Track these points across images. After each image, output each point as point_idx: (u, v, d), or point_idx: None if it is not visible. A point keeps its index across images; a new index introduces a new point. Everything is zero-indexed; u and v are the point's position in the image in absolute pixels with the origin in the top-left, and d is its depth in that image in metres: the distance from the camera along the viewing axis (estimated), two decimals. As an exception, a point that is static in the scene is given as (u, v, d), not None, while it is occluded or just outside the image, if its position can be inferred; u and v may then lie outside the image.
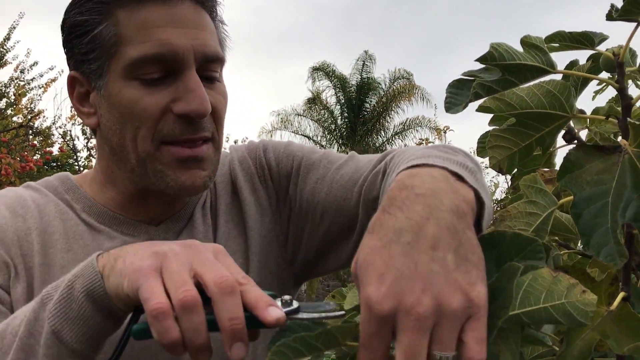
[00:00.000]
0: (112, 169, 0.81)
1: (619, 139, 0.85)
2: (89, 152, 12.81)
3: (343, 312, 0.50)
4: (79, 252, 0.79)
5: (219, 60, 0.78)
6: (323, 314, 0.52)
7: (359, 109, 18.99)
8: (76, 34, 0.76)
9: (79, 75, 0.78)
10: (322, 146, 18.89)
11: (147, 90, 0.73)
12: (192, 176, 0.75)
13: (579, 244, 0.94)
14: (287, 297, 0.53)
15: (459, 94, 0.62)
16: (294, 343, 0.42)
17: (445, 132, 10.47)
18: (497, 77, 0.61)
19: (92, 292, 0.56)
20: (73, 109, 0.84)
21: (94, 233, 0.81)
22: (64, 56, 0.81)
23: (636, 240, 0.61)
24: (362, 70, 18.98)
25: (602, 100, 1.05)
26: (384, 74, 19.61)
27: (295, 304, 0.52)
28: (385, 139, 18.98)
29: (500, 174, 0.78)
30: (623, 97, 0.59)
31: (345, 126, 19.25)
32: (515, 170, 0.89)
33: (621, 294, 0.59)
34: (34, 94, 11.21)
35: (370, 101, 19.08)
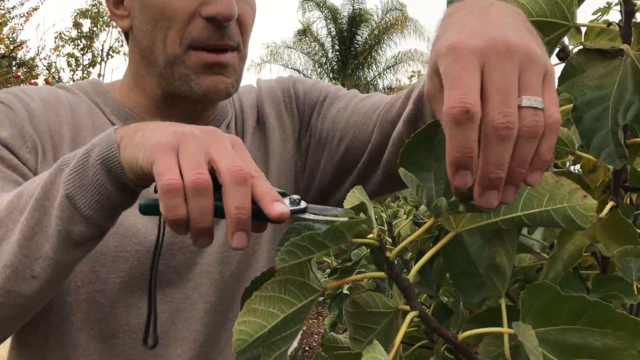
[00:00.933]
0: (141, 73, 0.83)
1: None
2: (75, 84, 12.60)
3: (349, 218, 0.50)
4: None
5: None
6: (329, 217, 0.53)
7: (351, 42, 18.70)
8: None
9: None
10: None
11: None
12: (215, 81, 0.77)
13: (567, 164, 0.95)
14: (296, 196, 0.53)
15: None
16: (303, 242, 0.42)
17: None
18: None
19: (107, 160, 0.56)
20: (108, 14, 0.88)
21: None
22: None
23: (630, 151, 0.62)
24: (354, 0, 18.54)
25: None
26: (377, 5, 19.21)
27: (303, 204, 0.53)
28: (376, 73, 18.82)
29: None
30: (627, 2, 0.58)
31: (336, 59, 19.01)
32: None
33: (610, 203, 0.60)
34: (15, 24, 10.90)
35: (362, 34, 18.76)
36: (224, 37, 0.76)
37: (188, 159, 0.50)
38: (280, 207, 0.49)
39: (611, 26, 0.62)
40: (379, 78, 18.85)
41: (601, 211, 0.59)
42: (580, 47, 0.88)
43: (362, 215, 0.45)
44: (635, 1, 0.62)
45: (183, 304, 0.81)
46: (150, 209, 0.53)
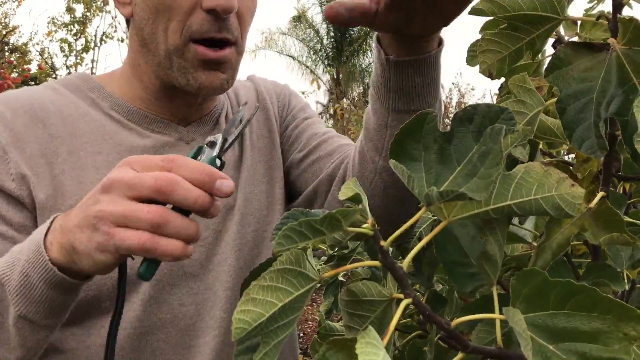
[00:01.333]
0: (139, 62, 0.84)
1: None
2: (68, 71, 12.52)
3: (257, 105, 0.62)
4: (110, 154, 0.81)
5: None
6: (247, 117, 0.57)
7: (345, 29, 18.57)
8: None
9: None
10: (307, 66, 18.61)
11: None
12: (211, 77, 0.79)
13: (561, 153, 0.96)
14: (209, 138, 0.56)
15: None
16: (300, 227, 0.43)
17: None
18: (491, -25, 0.61)
19: (50, 280, 0.59)
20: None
21: (125, 131, 0.83)
22: None
23: (619, 144, 0.63)
24: (348, -13, 18.40)
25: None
26: (371, -9, 19.04)
27: (219, 137, 0.58)
28: (371, 60, 18.71)
29: (491, 88, 0.78)
30: (615, -3, 0.59)
31: (331, 46, 18.92)
32: (504, 80, 0.90)
33: (600, 193, 0.62)
34: (7, 8, 10.81)
35: (357, 20, 18.65)
36: (223, 30, 0.77)
37: (126, 216, 0.53)
38: (224, 185, 0.54)
39: (600, 20, 0.63)
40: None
41: (591, 201, 0.61)
42: (576, 38, 0.89)
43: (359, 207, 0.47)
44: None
45: (207, 294, 0.84)
46: (151, 269, 0.56)
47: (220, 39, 0.78)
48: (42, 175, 0.76)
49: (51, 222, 0.61)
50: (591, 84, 0.53)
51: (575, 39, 0.89)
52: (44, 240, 0.59)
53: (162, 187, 0.53)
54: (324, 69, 18.87)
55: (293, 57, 18.61)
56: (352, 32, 18.59)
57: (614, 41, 0.54)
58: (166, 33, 0.77)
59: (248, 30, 0.84)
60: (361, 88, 17.86)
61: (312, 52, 18.91)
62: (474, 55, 0.92)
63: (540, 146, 0.85)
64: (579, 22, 0.86)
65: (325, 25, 18.76)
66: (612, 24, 0.59)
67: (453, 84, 9.45)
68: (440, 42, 0.76)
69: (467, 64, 0.95)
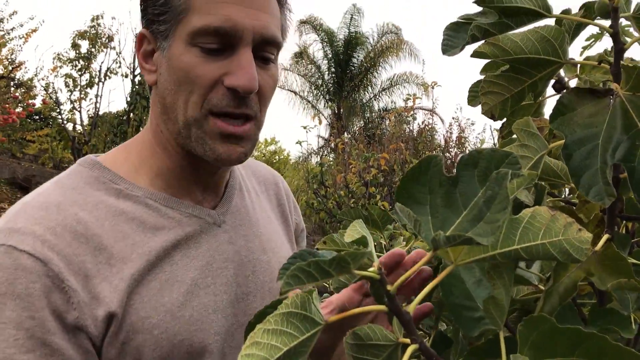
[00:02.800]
0: (161, 128, 0.84)
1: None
2: (72, 105, 12.63)
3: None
4: (160, 250, 0.80)
5: (276, 44, 0.82)
6: None
7: (347, 64, 18.82)
8: None
9: (148, 34, 0.83)
10: (309, 101, 18.78)
11: (204, 59, 0.77)
12: (229, 150, 0.80)
13: (564, 192, 0.96)
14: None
15: (455, 37, 0.63)
16: (308, 268, 0.43)
17: (432, 88, 10.43)
18: (493, 20, 0.62)
19: None
20: (137, 64, 0.87)
21: (164, 220, 0.82)
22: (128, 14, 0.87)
23: (623, 185, 0.63)
24: (350, 24, 18.72)
25: (592, 53, 1.06)
26: (372, 29, 19.42)
27: None
28: (372, 95, 18.91)
29: (490, 123, 0.79)
30: (616, 41, 0.60)
31: (332, 81, 19.10)
32: (505, 120, 0.90)
33: (605, 236, 0.62)
34: (14, 45, 10.97)
35: (358, 56, 18.89)
36: (242, 107, 0.79)
37: None
38: None
39: (602, 64, 0.64)
40: (375, 100, 18.94)
41: (596, 244, 0.61)
42: (576, 79, 0.90)
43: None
44: (625, 39, 0.64)
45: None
46: None
47: (240, 114, 0.79)
48: (101, 296, 0.73)
49: None
50: (596, 129, 0.53)
51: (575, 80, 0.90)
52: None
53: None
54: (325, 104, 19.02)
55: (295, 92, 18.78)
56: (353, 68, 18.80)
57: (617, 87, 0.55)
58: (186, 105, 0.78)
59: (268, 105, 0.85)
60: (362, 122, 17.97)
61: (313, 87, 19.08)
62: (475, 95, 0.93)
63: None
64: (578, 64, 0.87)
65: (326, 62, 18.99)
66: (615, 68, 0.60)
67: (453, 118, 9.53)
68: None
69: (468, 104, 0.96)
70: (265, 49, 0.81)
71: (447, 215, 0.47)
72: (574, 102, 0.56)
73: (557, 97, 0.87)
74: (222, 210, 0.90)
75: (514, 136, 0.80)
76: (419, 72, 20.04)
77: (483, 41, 0.68)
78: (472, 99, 0.94)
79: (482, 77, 0.86)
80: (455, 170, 0.48)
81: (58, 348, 0.68)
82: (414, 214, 0.45)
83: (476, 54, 0.73)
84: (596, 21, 0.65)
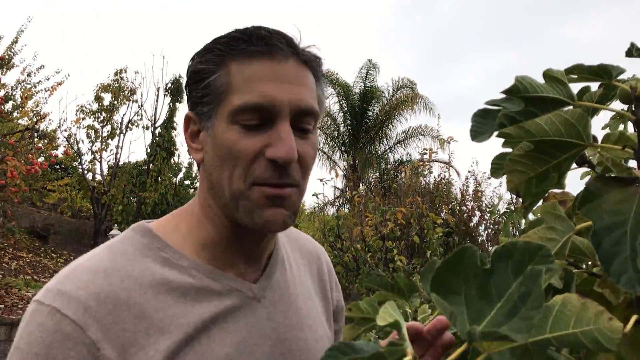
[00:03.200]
0: (209, 202, 0.87)
1: (630, 163, 0.88)
2: (93, 156, 12.88)
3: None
4: (198, 322, 0.81)
5: (313, 114, 0.85)
6: None
7: (362, 117, 19.06)
8: (195, 80, 0.85)
9: (193, 115, 0.87)
10: (325, 153, 18.94)
11: (245, 135, 0.80)
12: (274, 213, 0.82)
13: (585, 263, 0.97)
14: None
15: (484, 123, 0.65)
16: (348, 365, 0.44)
17: (449, 143, 10.50)
18: (519, 108, 0.64)
19: None
20: (185, 144, 0.91)
21: (205, 291, 0.84)
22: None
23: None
24: (365, 78, 19.05)
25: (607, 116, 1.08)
26: (388, 83, 19.73)
27: None
28: (387, 147, 19.04)
29: (516, 196, 0.82)
30: (639, 128, 0.62)
31: (347, 134, 19.31)
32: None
33: (634, 317, 0.62)
34: (40, 97, 11.31)
35: (373, 109, 19.14)
36: (284, 177, 0.81)
37: None
38: None
39: (626, 149, 0.66)
40: (390, 152, 19.07)
41: (625, 325, 0.61)
42: (597, 156, 0.92)
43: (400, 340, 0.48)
44: (647, 125, 0.66)
45: None
46: None
47: (282, 184, 0.82)
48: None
49: None
50: (624, 217, 0.55)
51: (597, 155, 0.92)
52: None
53: None
54: (340, 156, 19.18)
55: (311, 144, 18.97)
56: (368, 121, 19.02)
57: (642, 175, 0.56)
58: (231, 179, 0.82)
59: (310, 173, 0.88)
60: (377, 174, 18.03)
61: (329, 139, 19.28)
62: (498, 167, 0.94)
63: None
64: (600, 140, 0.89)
65: (342, 114, 19.24)
66: (639, 155, 0.62)
67: (469, 172, 9.54)
68: None
69: (492, 175, 0.98)
70: (303, 120, 0.84)
71: (481, 307, 0.48)
72: (601, 189, 0.58)
73: (579, 170, 0.89)
74: (264, 284, 0.91)
75: (538, 205, 0.82)
76: (434, 125, 20.20)
77: (508, 124, 0.71)
78: (495, 171, 0.96)
79: (505, 149, 0.89)
80: (489, 260, 0.49)
81: None
82: (449, 305, 0.46)
83: (501, 135, 0.75)
84: (618, 107, 0.67)
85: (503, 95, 0.68)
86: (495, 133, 0.76)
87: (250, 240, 0.89)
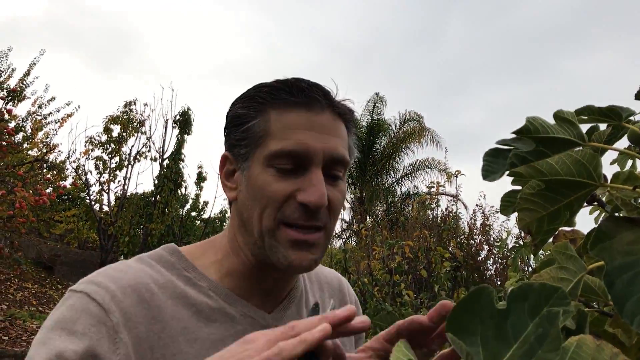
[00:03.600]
0: (238, 238, 0.91)
1: (641, 202, 0.88)
2: (100, 187, 12.93)
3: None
4: (205, 341, 0.84)
5: (344, 163, 0.90)
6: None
7: (369, 150, 19.13)
8: (235, 123, 0.91)
9: (230, 156, 0.93)
10: (332, 186, 18.96)
11: (279, 178, 0.85)
12: (300, 257, 0.85)
13: (596, 303, 0.96)
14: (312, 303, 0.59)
15: (495, 162, 0.66)
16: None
17: (456, 177, 10.49)
18: (530, 148, 0.65)
19: None
20: (220, 183, 0.95)
21: (220, 315, 0.88)
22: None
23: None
24: (372, 111, 19.20)
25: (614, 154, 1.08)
26: (394, 116, 19.83)
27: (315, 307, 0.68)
28: (394, 180, 19.05)
29: (528, 234, 0.82)
30: (649, 169, 0.63)
31: (355, 166, 19.35)
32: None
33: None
34: (50, 129, 11.44)
35: (380, 142, 19.23)
36: (313, 220, 0.85)
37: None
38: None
39: (637, 189, 0.66)
40: (397, 184, 19.08)
41: (639, 367, 0.61)
42: (607, 194, 0.93)
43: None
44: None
45: None
46: None
47: (309, 226, 0.85)
48: (145, 358, 0.78)
49: None
50: (637, 257, 0.55)
51: (606, 195, 0.93)
52: None
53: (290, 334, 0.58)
54: (347, 188, 19.22)
55: (318, 176, 19.03)
56: (376, 154, 19.09)
57: (654, 216, 0.57)
58: (261, 217, 0.85)
59: (337, 216, 0.91)
60: (384, 206, 18.01)
61: (336, 172, 19.30)
62: (507, 205, 0.95)
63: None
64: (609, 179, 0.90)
65: (350, 147, 19.32)
66: (649, 196, 0.62)
67: (477, 205, 9.52)
68: None
69: (501, 213, 0.98)
70: (334, 167, 0.88)
71: (498, 348, 0.48)
72: (613, 230, 0.58)
73: (588, 208, 0.89)
74: (277, 315, 0.94)
75: (548, 242, 0.82)
76: (441, 158, 20.24)
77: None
78: (505, 208, 0.96)
79: (514, 187, 0.89)
80: (505, 302, 0.50)
81: None
82: (465, 345, 0.46)
83: (512, 174, 0.76)
84: (629, 149, 0.68)
85: (513, 135, 0.69)
86: (507, 172, 0.77)
87: (271, 277, 0.92)
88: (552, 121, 0.69)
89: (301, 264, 0.85)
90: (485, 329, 0.49)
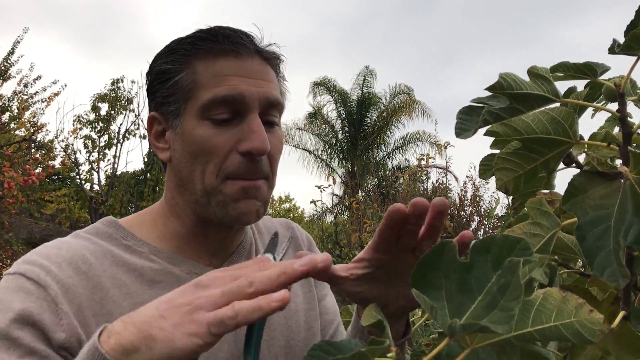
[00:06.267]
0: (176, 200, 0.89)
1: (617, 162, 0.88)
2: (90, 166, 12.87)
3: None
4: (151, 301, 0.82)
5: (279, 106, 0.88)
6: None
7: (360, 124, 19.07)
8: (160, 80, 0.87)
9: (158, 115, 0.89)
10: (323, 160, 18.96)
11: (217, 130, 0.82)
12: (248, 205, 0.84)
13: (578, 264, 0.97)
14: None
15: (468, 120, 0.66)
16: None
17: (446, 148, 10.50)
18: (504, 105, 0.64)
19: None
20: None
21: (163, 276, 0.86)
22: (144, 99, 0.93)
23: (636, 262, 0.64)
24: (362, 85, 19.09)
25: (599, 120, 1.08)
26: (385, 89, 19.78)
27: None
28: (385, 154, 19.04)
29: (505, 194, 0.82)
30: (624, 125, 0.62)
31: (345, 140, 19.32)
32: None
33: (621, 313, 0.62)
34: (36, 108, 11.30)
35: (371, 116, 19.16)
36: (257, 171, 0.84)
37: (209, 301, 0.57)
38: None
39: (611, 145, 0.66)
40: (388, 158, 19.08)
41: (612, 322, 0.61)
42: (584, 154, 0.92)
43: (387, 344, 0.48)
44: (632, 121, 0.66)
45: None
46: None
47: (254, 178, 0.84)
48: (89, 328, 0.76)
49: (101, 331, 0.60)
50: (608, 211, 0.55)
51: (584, 155, 0.92)
52: (99, 341, 0.59)
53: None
54: (339, 162, 19.18)
55: (309, 151, 19.00)
56: (366, 128, 19.04)
57: (627, 170, 0.57)
58: (203, 174, 0.83)
59: (277, 166, 0.90)
60: (375, 180, 18.04)
61: (327, 146, 19.29)
62: (486, 168, 0.95)
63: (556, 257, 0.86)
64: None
65: (340, 121, 19.27)
66: (624, 151, 0.62)
67: (467, 177, 9.55)
68: (407, 332, 0.87)
69: (480, 176, 0.98)
70: (270, 112, 0.86)
71: (462, 301, 0.48)
72: (586, 184, 0.58)
73: (566, 169, 0.89)
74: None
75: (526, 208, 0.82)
76: (431, 130, 20.23)
77: (494, 122, 0.71)
78: (484, 172, 0.96)
79: (493, 150, 0.89)
80: (469, 255, 0.49)
81: (38, 351, 0.71)
82: (429, 300, 0.46)
83: (489, 134, 0.75)
84: (602, 105, 0.67)
85: (488, 93, 0.68)
86: (482, 131, 0.77)
87: (216, 235, 0.91)
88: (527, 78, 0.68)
89: (249, 211, 0.84)
90: (449, 283, 0.49)
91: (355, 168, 18.60)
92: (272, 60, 0.90)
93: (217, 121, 0.82)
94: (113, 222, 0.91)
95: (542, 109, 0.68)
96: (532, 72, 0.66)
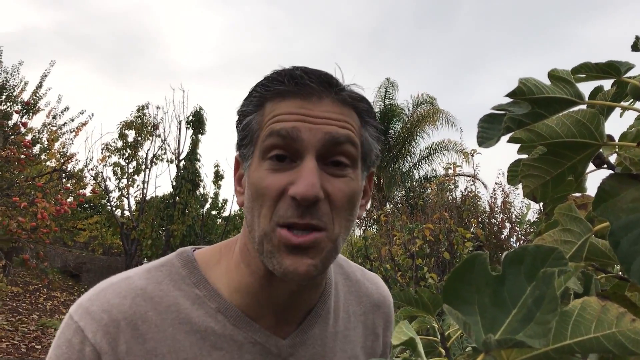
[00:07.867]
0: (247, 246, 0.84)
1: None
2: (120, 193, 13.07)
3: None
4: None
5: (349, 145, 0.80)
6: None
7: (384, 136, 18.99)
8: (238, 122, 0.85)
9: (238, 158, 0.87)
10: (349, 175, 18.91)
11: (272, 171, 0.77)
12: (295, 263, 0.75)
13: (615, 268, 0.94)
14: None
15: (490, 128, 0.64)
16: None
17: (472, 156, 10.39)
18: (526, 110, 0.63)
19: None
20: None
21: (226, 343, 0.83)
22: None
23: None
24: (384, 97, 19.08)
25: (629, 119, 1.05)
26: (407, 100, 19.69)
27: None
28: (411, 164, 18.95)
29: (533, 201, 0.80)
30: (653, 124, 0.60)
31: (370, 154, 19.25)
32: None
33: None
34: (66, 138, 11.56)
35: (395, 127, 19.12)
36: (306, 216, 0.75)
37: None
38: None
39: (640, 145, 0.64)
40: (415, 169, 18.98)
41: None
42: (615, 155, 0.90)
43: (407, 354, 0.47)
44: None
45: None
46: None
47: (304, 225, 0.75)
48: None
49: None
50: (641, 214, 0.53)
51: (615, 156, 0.90)
52: None
53: None
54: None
55: (334, 166, 19.00)
56: (390, 140, 18.99)
57: (658, 170, 0.55)
58: (259, 219, 0.77)
59: (344, 216, 0.79)
60: (403, 191, 17.93)
61: (352, 161, 19.23)
62: (514, 175, 0.93)
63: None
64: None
65: (364, 135, 19.23)
66: (654, 150, 0.60)
67: (496, 183, 9.41)
68: None
69: (509, 183, 0.96)
70: (336, 151, 0.79)
71: (496, 315, 0.46)
72: (616, 187, 0.56)
73: (598, 172, 0.87)
74: (295, 341, 0.88)
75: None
76: (457, 139, 20.06)
77: (518, 128, 0.69)
78: (512, 178, 0.94)
79: (521, 155, 0.87)
80: (501, 267, 0.48)
81: None
82: (462, 315, 0.45)
83: (513, 140, 0.74)
84: (630, 104, 0.65)
85: (509, 99, 0.67)
86: (505, 139, 0.75)
87: (283, 289, 0.84)
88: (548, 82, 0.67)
89: (297, 269, 0.75)
90: (482, 297, 0.47)
91: (382, 180, 18.52)
92: (351, 103, 0.82)
93: (275, 162, 0.77)
94: (190, 260, 0.87)
95: (566, 112, 0.66)
96: (553, 75, 0.64)
